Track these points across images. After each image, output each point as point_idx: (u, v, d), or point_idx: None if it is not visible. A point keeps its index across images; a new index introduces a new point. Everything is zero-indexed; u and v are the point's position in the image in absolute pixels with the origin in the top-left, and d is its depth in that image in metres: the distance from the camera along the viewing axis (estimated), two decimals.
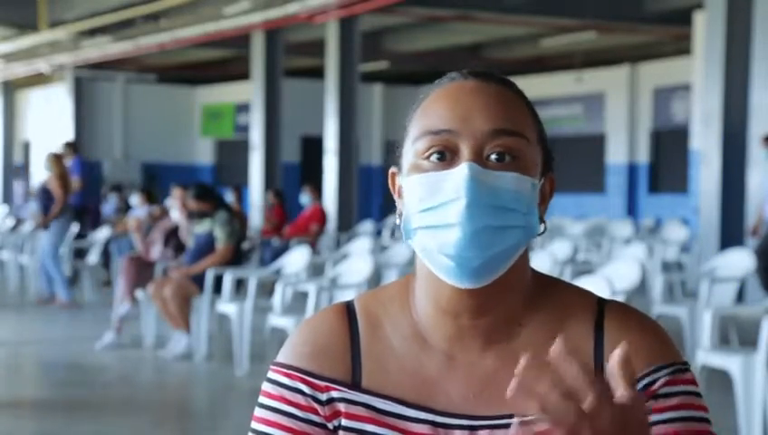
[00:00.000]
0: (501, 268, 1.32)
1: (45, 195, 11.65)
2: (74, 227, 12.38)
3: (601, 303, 1.41)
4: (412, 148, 1.36)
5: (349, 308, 1.43)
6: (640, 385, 1.34)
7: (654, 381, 1.34)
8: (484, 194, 1.29)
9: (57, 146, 14.03)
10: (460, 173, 1.30)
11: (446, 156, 1.32)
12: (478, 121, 1.33)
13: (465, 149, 1.32)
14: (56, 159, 11.89)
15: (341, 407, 1.37)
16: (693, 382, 1.36)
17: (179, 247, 9.15)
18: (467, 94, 1.35)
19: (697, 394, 1.36)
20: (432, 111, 1.36)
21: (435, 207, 1.31)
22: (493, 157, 1.32)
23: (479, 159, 1.31)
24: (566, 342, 1.31)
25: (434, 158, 1.33)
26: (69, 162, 13.28)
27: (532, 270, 1.41)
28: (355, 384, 1.38)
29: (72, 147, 13.86)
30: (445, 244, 1.30)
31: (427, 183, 1.32)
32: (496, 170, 1.31)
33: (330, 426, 1.37)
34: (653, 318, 1.41)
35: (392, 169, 1.41)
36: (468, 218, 1.28)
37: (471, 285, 1.31)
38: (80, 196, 13.21)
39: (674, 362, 1.36)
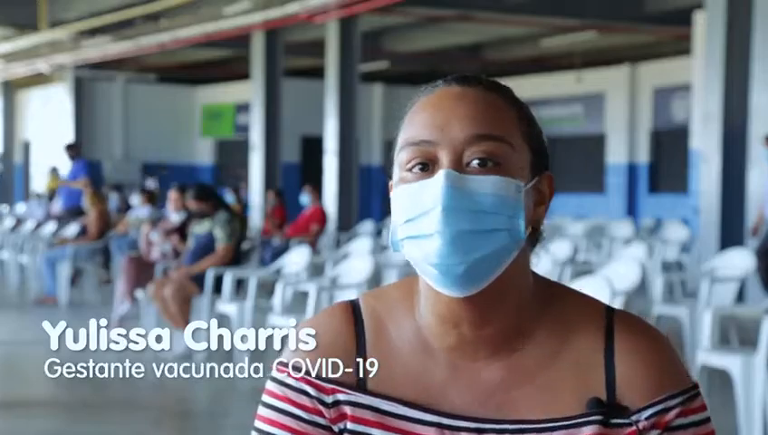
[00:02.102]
0: (489, 274, 1.31)
1: (82, 231, 11.87)
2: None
3: (609, 313, 1.39)
4: (397, 159, 1.36)
5: (354, 308, 1.42)
6: (652, 411, 1.34)
7: (666, 410, 1.34)
8: (461, 200, 1.28)
9: (59, 147, 14.07)
10: (436, 182, 1.29)
11: (428, 166, 1.32)
12: (456, 129, 1.32)
13: (443, 158, 1.31)
14: (98, 197, 11.99)
15: (347, 410, 1.36)
16: (703, 408, 1.36)
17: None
18: (447, 102, 1.34)
19: (708, 420, 1.37)
20: (414, 121, 1.35)
21: (415, 218, 1.31)
22: (474, 163, 1.31)
23: (458, 166, 1.31)
24: (575, 358, 1.31)
25: (416, 169, 1.32)
26: (72, 165, 13.30)
27: (535, 275, 1.39)
28: (360, 386, 1.37)
29: (75, 149, 13.87)
30: (428, 253, 1.30)
31: (408, 194, 1.32)
32: (476, 175, 1.30)
33: (335, 428, 1.37)
34: (661, 332, 1.40)
35: (390, 182, 1.40)
36: (445, 225, 1.28)
37: (460, 293, 1.30)
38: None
39: (686, 389, 1.36)
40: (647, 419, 1.33)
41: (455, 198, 1.28)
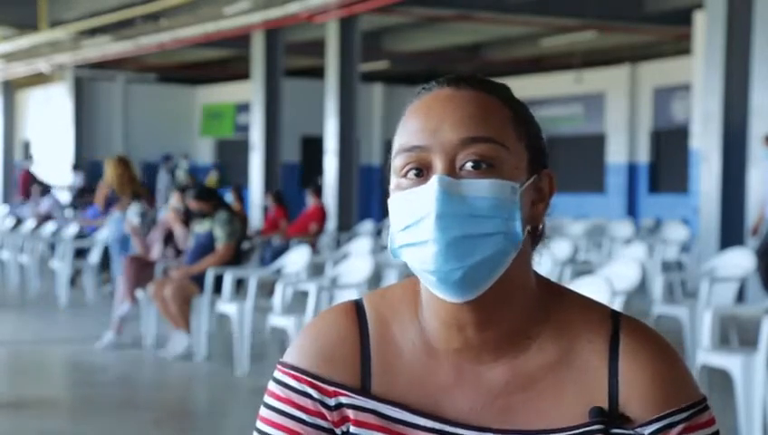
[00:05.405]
0: (488, 278, 1.29)
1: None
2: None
3: (615, 319, 1.37)
4: (392, 165, 1.34)
5: (358, 308, 1.40)
6: (656, 426, 1.32)
7: (672, 425, 1.32)
8: (454, 205, 1.27)
9: (59, 147, 14.03)
10: (430, 188, 1.28)
11: (422, 172, 1.31)
12: (448, 133, 1.30)
13: (437, 163, 1.30)
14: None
15: (350, 413, 1.35)
16: (711, 423, 1.34)
17: (179, 247, 9.15)
18: (439, 105, 1.33)
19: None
20: (407, 126, 1.34)
21: (411, 225, 1.29)
22: (468, 165, 1.29)
23: (451, 170, 1.29)
24: (579, 364, 1.30)
25: (411, 175, 1.31)
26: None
27: (538, 276, 1.38)
28: (364, 389, 1.35)
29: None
30: (424, 260, 1.28)
31: (403, 201, 1.31)
32: (469, 179, 1.29)
33: (337, 431, 1.35)
34: (669, 342, 1.37)
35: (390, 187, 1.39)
36: (439, 232, 1.26)
37: (460, 298, 1.29)
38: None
39: (693, 404, 1.33)
40: (651, 434, 1.31)
41: (448, 204, 1.27)
